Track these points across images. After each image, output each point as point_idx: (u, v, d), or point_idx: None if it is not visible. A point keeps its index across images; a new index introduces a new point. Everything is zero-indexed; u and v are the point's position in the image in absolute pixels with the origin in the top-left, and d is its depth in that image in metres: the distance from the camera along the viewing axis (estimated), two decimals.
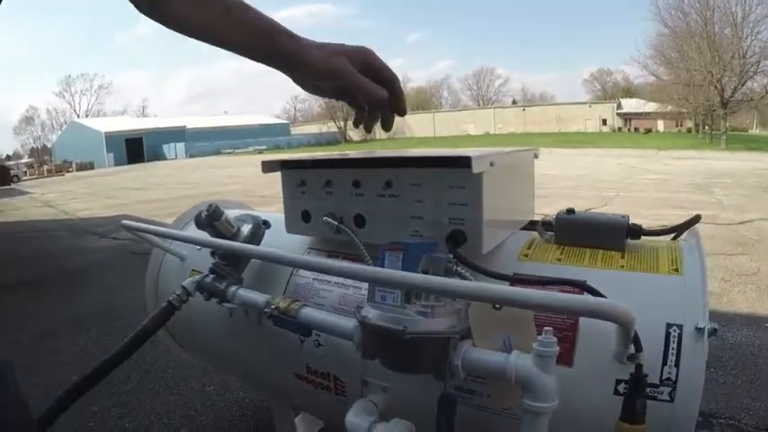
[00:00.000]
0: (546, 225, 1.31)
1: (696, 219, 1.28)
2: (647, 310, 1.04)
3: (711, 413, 2.46)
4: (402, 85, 1.04)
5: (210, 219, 1.40)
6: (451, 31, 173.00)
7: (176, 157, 43.16)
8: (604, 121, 61.93)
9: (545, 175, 13.48)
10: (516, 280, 1.12)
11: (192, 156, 39.47)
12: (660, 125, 56.39)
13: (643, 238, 1.25)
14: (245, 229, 1.48)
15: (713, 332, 0.99)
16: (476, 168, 1.07)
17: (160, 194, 11.03)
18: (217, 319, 1.61)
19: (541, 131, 55.90)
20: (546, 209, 5.43)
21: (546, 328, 0.89)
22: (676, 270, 1.12)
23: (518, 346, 0.98)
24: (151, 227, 1.59)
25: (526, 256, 1.26)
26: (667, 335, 1.02)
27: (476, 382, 1.11)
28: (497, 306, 1.00)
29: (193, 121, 55.97)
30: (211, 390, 2.71)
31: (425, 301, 0.97)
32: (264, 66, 1.00)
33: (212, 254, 1.48)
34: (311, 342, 1.37)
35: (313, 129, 72.98)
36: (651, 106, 48.50)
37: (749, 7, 34.39)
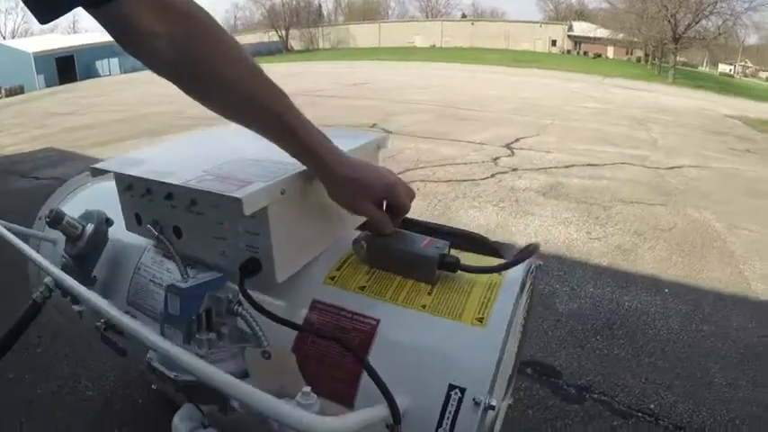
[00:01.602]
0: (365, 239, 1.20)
1: (532, 250, 1.16)
2: (433, 364, 1.00)
3: (586, 386, 2.46)
4: None
5: (54, 223, 1.37)
6: None
7: (110, 74, 41.07)
8: (554, 42, 60.99)
9: (487, 96, 13.44)
10: (292, 325, 1.04)
11: (126, 71, 37.72)
12: (610, 52, 56.01)
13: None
14: (89, 228, 1.42)
15: (490, 408, 0.94)
16: (247, 210, 0.98)
17: (90, 120, 10.61)
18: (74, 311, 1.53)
19: (489, 47, 55.22)
20: (476, 135, 5.39)
21: (304, 389, 0.84)
22: (480, 320, 1.03)
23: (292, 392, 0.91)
24: (8, 233, 1.45)
25: (332, 279, 1.18)
26: (448, 396, 0.96)
27: None
28: (266, 356, 0.99)
29: None
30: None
31: (200, 349, 0.97)
32: None
33: (64, 252, 1.43)
34: None
35: (254, 38, 69.77)
36: (602, 32, 48.32)
37: None
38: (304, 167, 1.08)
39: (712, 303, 3.29)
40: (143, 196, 1.24)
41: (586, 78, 22.09)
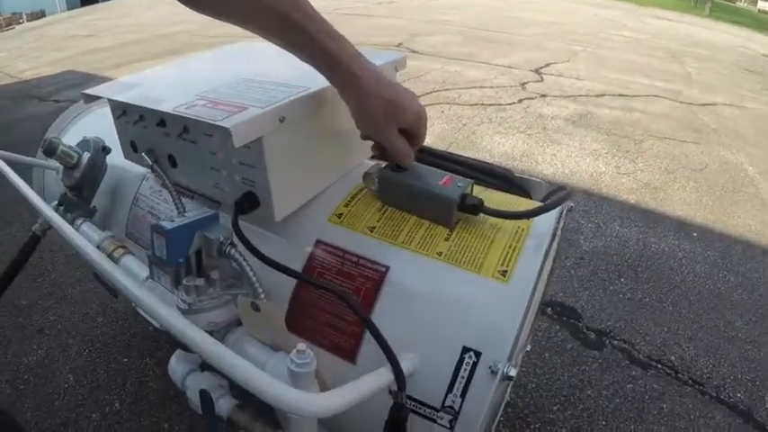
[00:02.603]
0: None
1: (566, 195, 1.03)
2: (447, 321, 0.89)
3: (607, 331, 2.37)
4: None
5: (48, 153, 1.31)
6: None
7: None
8: None
9: (515, 18, 13.06)
10: (289, 271, 0.93)
11: None
12: None
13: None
14: (85, 157, 1.35)
15: (508, 378, 0.84)
16: (237, 141, 0.85)
17: (108, 42, 10.33)
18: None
19: None
20: (505, 58, 5.21)
21: (299, 346, 0.73)
22: (503, 274, 0.91)
23: (283, 347, 0.87)
24: (5, 166, 1.39)
25: (339, 217, 1.06)
26: (461, 359, 0.86)
27: None
28: (254, 307, 0.86)
29: None
30: None
31: (186, 296, 0.90)
32: None
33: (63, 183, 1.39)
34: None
35: None
36: None
37: None
38: (310, 89, 0.95)
39: (741, 252, 3.14)
40: (137, 123, 1.14)
41: (620, 6, 21.30)
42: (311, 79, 0.94)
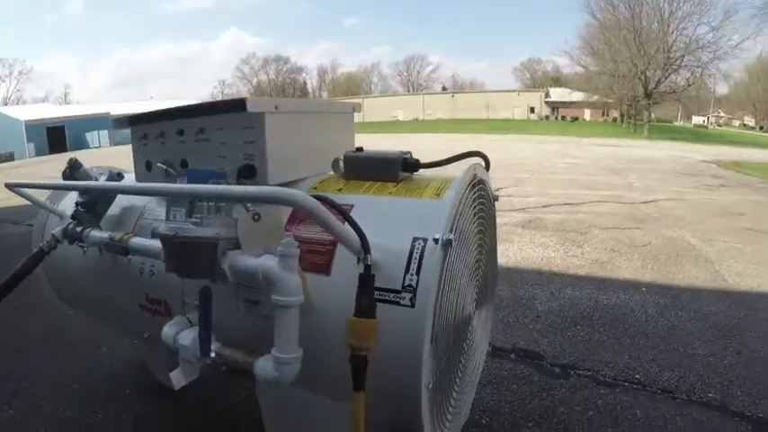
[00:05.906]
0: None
1: (473, 153, 1.59)
2: (399, 226, 1.21)
3: (570, 365, 2.57)
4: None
5: (72, 170, 1.64)
6: (390, 17, 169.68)
7: (100, 146, 40.21)
8: (532, 109, 61.03)
9: (467, 160, 13.63)
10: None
11: (116, 143, 37.46)
12: (587, 114, 56.70)
13: (425, 171, 1.43)
14: (102, 178, 1.71)
15: (448, 243, 1.13)
16: (251, 108, 1.26)
17: None
18: (78, 260, 1.76)
19: (470, 118, 55.47)
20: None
21: (287, 238, 1.05)
22: (437, 195, 1.26)
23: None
24: (30, 183, 1.76)
25: (315, 188, 1.42)
26: (412, 247, 1.15)
27: (255, 291, 1.28)
28: (255, 218, 1.16)
29: (118, 108, 48.43)
30: (104, 351, 2.76)
31: (199, 214, 1.14)
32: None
33: (75, 204, 1.65)
34: (147, 272, 1.56)
35: None
36: (578, 95, 48.50)
37: (677, 4, 35.89)
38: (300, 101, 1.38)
39: (690, 297, 3.44)
40: (157, 138, 1.52)
41: (564, 140, 22.51)
42: None
